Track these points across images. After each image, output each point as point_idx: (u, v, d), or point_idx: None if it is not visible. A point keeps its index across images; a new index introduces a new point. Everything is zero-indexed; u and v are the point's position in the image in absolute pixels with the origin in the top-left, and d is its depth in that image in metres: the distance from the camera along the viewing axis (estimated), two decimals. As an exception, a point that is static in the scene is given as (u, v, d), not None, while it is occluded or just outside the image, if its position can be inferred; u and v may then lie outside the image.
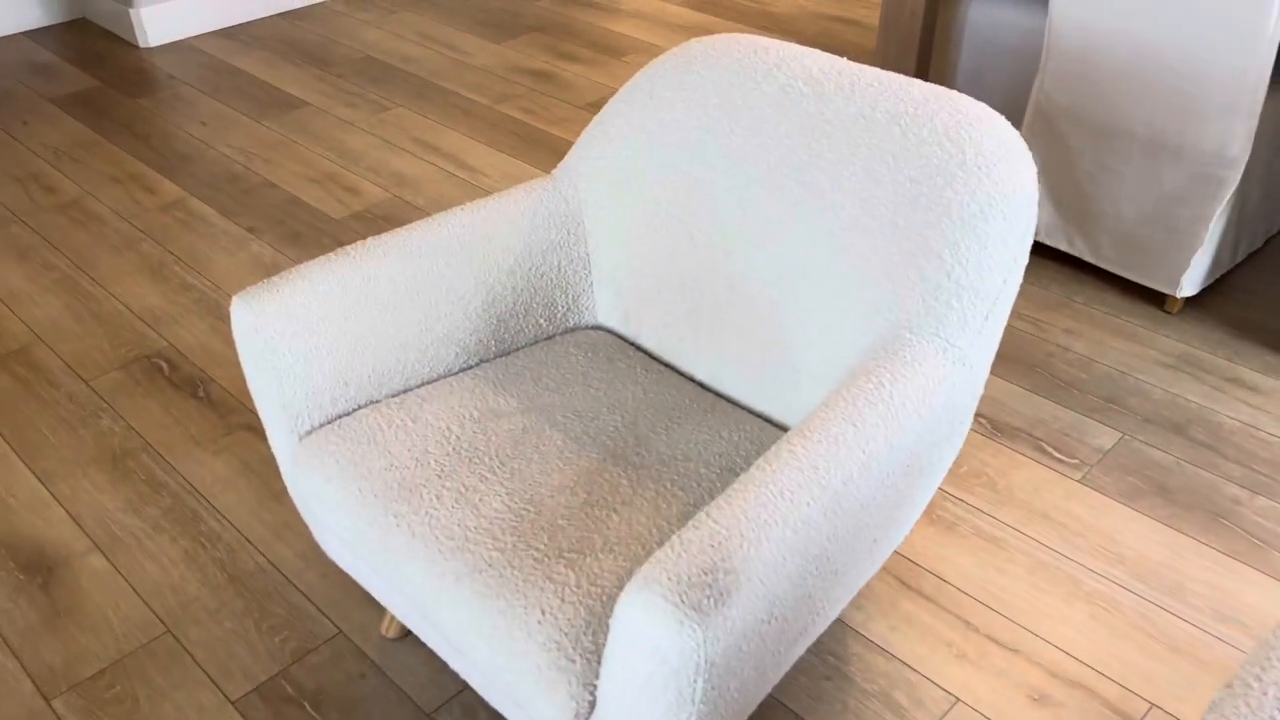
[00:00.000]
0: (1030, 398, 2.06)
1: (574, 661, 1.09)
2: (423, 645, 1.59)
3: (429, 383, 1.49)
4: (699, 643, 0.95)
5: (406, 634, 1.61)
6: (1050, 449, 1.93)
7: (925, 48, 2.62)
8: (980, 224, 1.27)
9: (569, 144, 3.05)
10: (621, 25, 3.88)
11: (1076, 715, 1.48)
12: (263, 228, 2.67)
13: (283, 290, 1.37)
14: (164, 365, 2.19)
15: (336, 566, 1.72)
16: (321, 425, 1.41)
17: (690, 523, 1.03)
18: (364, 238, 2.61)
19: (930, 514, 1.80)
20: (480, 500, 1.27)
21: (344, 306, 1.40)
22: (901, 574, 1.69)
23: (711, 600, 0.95)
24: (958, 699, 1.51)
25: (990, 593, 1.66)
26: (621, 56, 3.61)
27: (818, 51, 1.50)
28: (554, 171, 1.63)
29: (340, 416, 1.42)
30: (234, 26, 3.93)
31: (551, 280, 1.59)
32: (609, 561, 1.19)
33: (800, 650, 1.23)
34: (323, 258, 1.42)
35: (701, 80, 1.52)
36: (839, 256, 1.34)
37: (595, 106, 3.26)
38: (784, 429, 1.44)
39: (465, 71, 3.52)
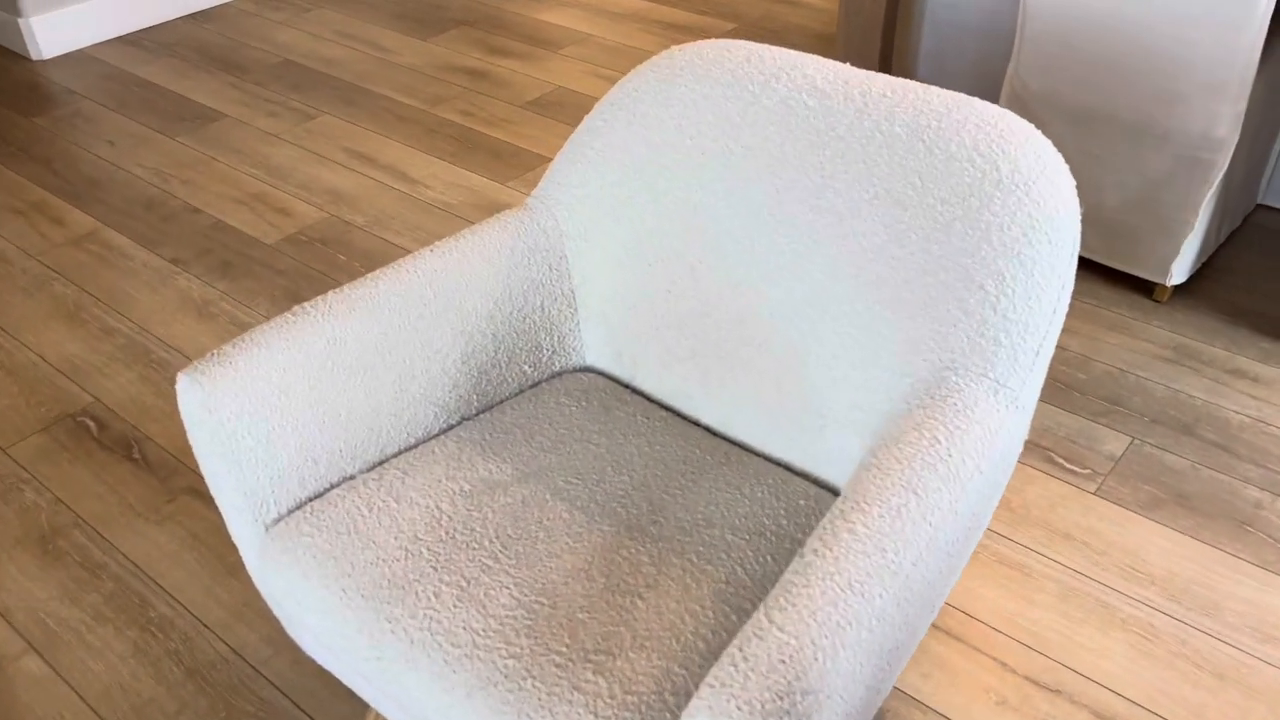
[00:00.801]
0: (1031, 403, 1.95)
1: (619, 791, 0.95)
2: (415, 736, 1.42)
3: (407, 450, 1.33)
4: (782, 783, 0.81)
5: (396, 725, 1.45)
6: (1060, 459, 1.83)
7: (889, 31, 2.50)
8: (1025, 248, 1.14)
9: (512, 147, 2.86)
10: (554, 15, 3.69)
11: (1130, 760, 1.39)
12: (188, 258, 2.45)
13: (236, 362, 1.19)
14: (91, 424, 1.97)
15: (308, 649, 1.55)
16: (290, 511, 1.24)
17: (751, 628, 0.89)
18: (301, 263, 2.41)
19: (946, 541, 1.69)
20: (486, 595, 1.11)
21: (308, 375, 1.23)
22: (925, 612, 1.58)
23: (792, 731, 0.82)
24: (1003, 751, 1.40)
25: (1022, 627, 1.55)
26: (559, 49, 3.42)
27: (818, 58, 1.35)
28: (528, 201, 1.46)
29: (311, 499, 1.25)
30: (136, 32, 3.64)
31: (535, 322, 1.43)
32: (642, 661, 1.04)
33: (857, 738, 1.10)
34: (279, 320, 1.24)
35: (691, 94, 1.36)
36: (866, 290, 1.21)
37: (536, 105, 3.08)
38: (808, 478, 1.31)
39: (393, 72, 3.31)
